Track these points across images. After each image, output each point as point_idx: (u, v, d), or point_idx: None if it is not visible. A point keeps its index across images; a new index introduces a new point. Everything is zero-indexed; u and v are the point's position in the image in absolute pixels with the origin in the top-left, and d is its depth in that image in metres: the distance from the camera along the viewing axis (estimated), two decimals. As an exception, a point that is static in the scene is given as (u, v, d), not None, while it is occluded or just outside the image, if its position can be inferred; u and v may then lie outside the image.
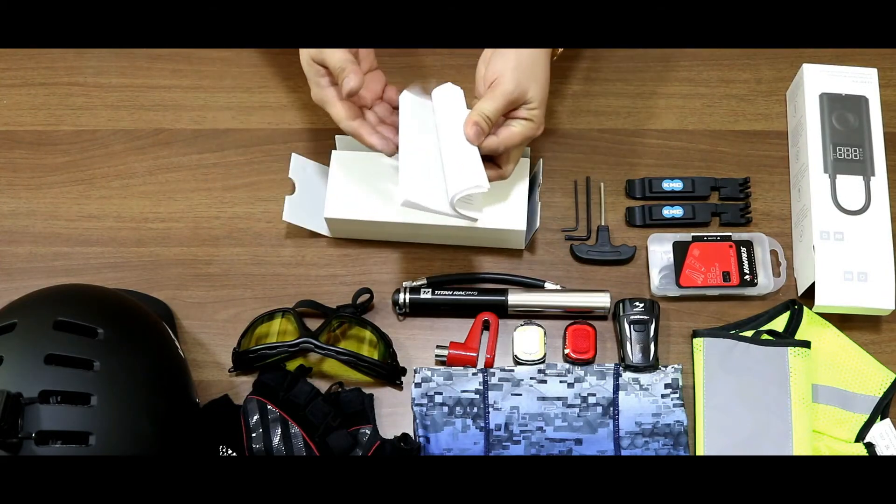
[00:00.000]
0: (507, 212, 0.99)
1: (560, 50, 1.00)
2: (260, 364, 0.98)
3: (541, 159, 1.03)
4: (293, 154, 1.03)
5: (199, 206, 1.07)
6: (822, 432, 0.96)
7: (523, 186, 1.00)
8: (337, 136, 1.03)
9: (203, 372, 1.00)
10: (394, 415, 0.98)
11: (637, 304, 0.99)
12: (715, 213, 1.05)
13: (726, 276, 1.01)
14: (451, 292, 1.01)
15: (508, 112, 0.93)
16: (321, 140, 1.08)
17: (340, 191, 1.01)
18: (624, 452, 0.96)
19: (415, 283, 1.02)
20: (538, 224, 1.00)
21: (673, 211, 1.05)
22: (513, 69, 0.91)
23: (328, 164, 1.03)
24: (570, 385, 0.98)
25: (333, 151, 1.03)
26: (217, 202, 1.07)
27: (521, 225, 0.99)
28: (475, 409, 0.97)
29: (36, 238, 1.06)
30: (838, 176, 1.00)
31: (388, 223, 1.00)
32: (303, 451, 0.91)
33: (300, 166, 1.03)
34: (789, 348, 0.96)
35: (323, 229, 1.04)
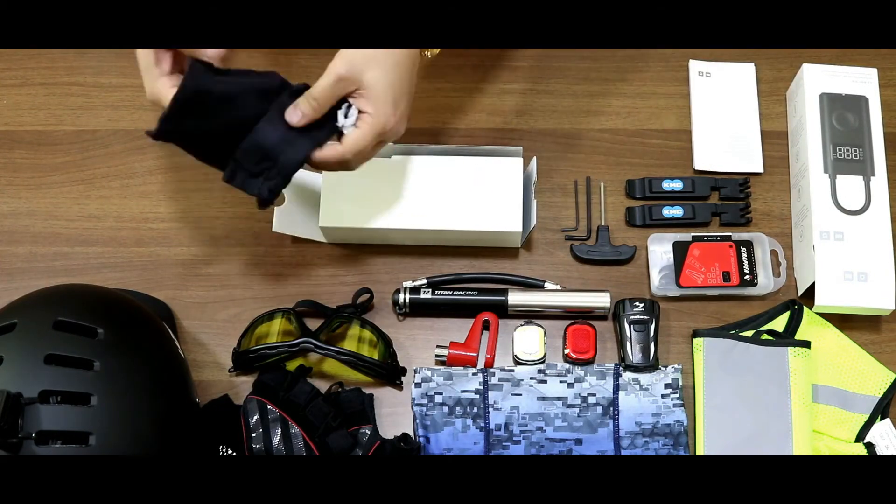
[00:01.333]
0: (502, 213, 0.99)
1: (435, 51, 0.91)
2: (260, 364, 0.98)
3: (534, 158, 1.03)
4: None
5: (199, 206, 1.07)
6: (822, 432, 0.96)
7: (517, 186, 1.00)
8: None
9: (203, 372, 1.00)
10: (394, 415, 0.98)
11: (637, 304, 0.99)
12: (715, 213, 1.05)
13: (726, 276, 1.01)
14: (451, 292, 1.01)
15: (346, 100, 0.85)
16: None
17: (335, 199, 1.00)
18: (624, 452, 0.96)
19: (415, 283, 1.02)
20: (535, 222, 1.00)
21: (673, 211, 1.05)
22: (347, 52, 0.82)
23: (318, 170, 1.03)
24: (570, 385, 0.98)
25: None
26: (217, 202, 1.07)
27: (518, 226, 0.99)
28: (475, 409, 0.97)
29: (36, 238, 1.06)
30: (838, 176, 1.00)
31: (384, 229, 1.00)
32: (303, 451, 0.91)
33: None
34: (789, 348, 0.96)
35: (317, 236, 1.03)
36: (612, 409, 0.97)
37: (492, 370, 0.98)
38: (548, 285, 1.02)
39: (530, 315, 1.02)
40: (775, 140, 1.09)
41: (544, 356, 0.99)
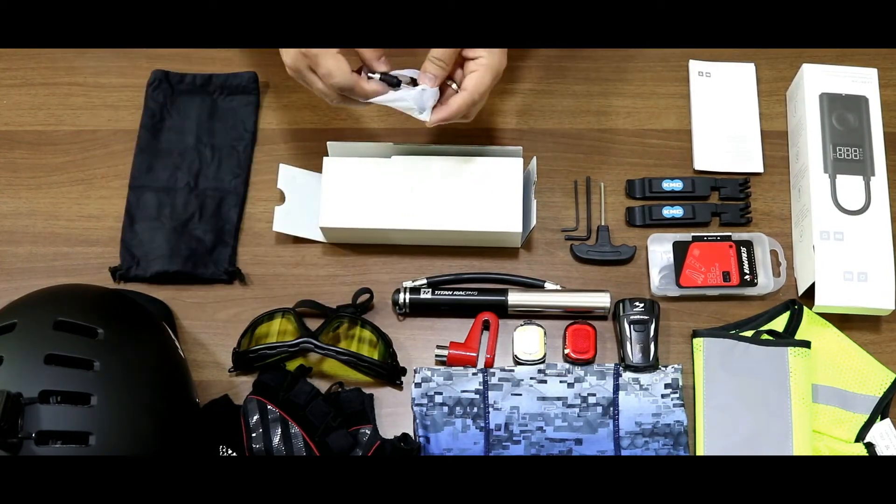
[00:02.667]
0: (502, 213, 0.99)
1: None
2: (260, 364, 0.98)
3: (534, 158, 1.03)
4: (281, 165, 1.03)
5: (199, 206, 1.07)
6: (822, 432, 0.96)
7: (517, 186, 1.00)
8: (329, 143, 1.02)
9: (203, 372, 1.00)
10: (394, 415, 0.98)
11: (637, 304, 0.99)
12: (715, 213, 1.05)
13: (726, 276, 1.01)
14: (451, 292, 1.01)
15: (461, 58, 0.92)
16: (314, 141, 1.08)
17: (335, 199, 1.00)
18: (624, 452, 0.96)
19: (415, 283, 1.02)
20: (534, 222, 1.00)
21: (673, 211, 1.05)
22: None
23: (318, 171, 1.03)
24: (570, 385, 0.98)
25: (325, 158, 1.02)
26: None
27: (518, 227, 0.99)
28: (475, 409, 0.97)
29: (36, 238, 1.06)
30: (838, 176, 1.00)
31: (384, 230, 1.00)
32: (303, 451, 0.91)
33: (289, 176, 1.03)
34: (789, 348, 0.96)
35: (317, 236, 1.03)
36: (612, 409, 0.97)
37: (492, 370, 0.98)
38: (548, 285, 1.02)
39: (530, 315, 1.02)
40: (775, 140, 1.09)
41: (544, 356, 0.99)
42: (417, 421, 0.97)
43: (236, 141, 1.09)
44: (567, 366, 0.99)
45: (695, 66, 1.11)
